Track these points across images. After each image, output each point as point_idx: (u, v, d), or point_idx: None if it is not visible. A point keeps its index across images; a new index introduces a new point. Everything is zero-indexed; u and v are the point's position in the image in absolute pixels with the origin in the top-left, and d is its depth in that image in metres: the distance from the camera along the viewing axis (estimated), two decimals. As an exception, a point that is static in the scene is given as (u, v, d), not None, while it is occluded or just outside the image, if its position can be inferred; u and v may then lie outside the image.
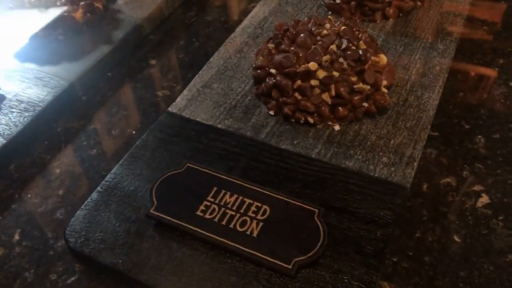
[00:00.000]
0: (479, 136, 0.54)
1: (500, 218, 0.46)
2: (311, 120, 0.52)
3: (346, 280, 0.40)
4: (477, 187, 0.49)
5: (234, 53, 0.62)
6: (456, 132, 0.54)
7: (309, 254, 0.40)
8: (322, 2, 0.68)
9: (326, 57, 0.51)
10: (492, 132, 0.54)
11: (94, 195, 0.47)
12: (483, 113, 0.56)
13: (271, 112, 0.54)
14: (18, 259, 0.46)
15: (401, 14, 0.65)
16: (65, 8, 0.65)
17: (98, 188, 0.48)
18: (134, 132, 0.57)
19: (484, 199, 0.48)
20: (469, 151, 0.52)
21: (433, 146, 0.53)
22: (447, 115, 0.56)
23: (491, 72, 0.61)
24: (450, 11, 0.66)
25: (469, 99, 0.58)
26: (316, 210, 0.43)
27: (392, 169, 0.47)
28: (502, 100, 0.57)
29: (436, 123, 0.55)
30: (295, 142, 0.51)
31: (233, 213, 0.44)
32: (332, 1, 0.66)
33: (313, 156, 0.49)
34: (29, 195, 0.51)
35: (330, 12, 0.67)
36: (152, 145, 0.52)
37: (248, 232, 0.42)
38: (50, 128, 0.58)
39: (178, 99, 0.57)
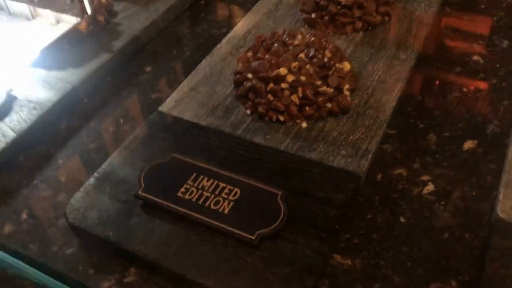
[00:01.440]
0: (431, 134, 0.61)
1: (442, 203, 0.53)
2: (281, 118, 0.59)
3: (301, 250, 0.47)
4: (424, 177, 0.56)
5: (219, 61, 0.70)
6: (411, 130, 0.61)
7: (270, 228, 0.48)
8: (300, 17, 0.76)
9: (295, 64, 0.59)
10: (443, 131, 0.61)
11: (91, 179, 0.55)
12: (437, 115, 0.63)
13: (248, 112, 0.61)
14: (25, 234, 0.53)
15: (369, 28, 0.73)
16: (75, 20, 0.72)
17: (95, 174, 0.55)
18: (128, 129, 0.64)
19: (430, 187, 0.55)
20: (421, 147, 0.59)
21: (390, 142, 0.60)
22: (404, 116, 0.63)
23: (448, 79, 0.68)
24: (415, 24, 0.74)
25: (426, 102, 0.65)
26: (279, 192, 0.51)
27: (349, 160, 0.55)
28: (454, 104, 0.65)
29: (394, 122, 0.62)
30: (267, 137, 0.58)
31: (209, 194, 0.51)
32: (308, 16, 0.74)
33: (281, 149, 0.57)
34: (35, 181, 0.59)
35: (306, 26, 0.74)
36: (143, 139, 0.59)
37: (220, 210, 0.49)
38: (55, 125, 0.65)
39: (168, 100, 0.64)
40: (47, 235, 0.53)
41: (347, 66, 0.61)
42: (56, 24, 0.76)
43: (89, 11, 0.73)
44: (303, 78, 0.58)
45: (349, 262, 0.49)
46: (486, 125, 0.62)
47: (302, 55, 0.60)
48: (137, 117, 0.66)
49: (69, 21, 0.73)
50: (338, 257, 0.49)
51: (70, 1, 0.72)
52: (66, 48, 0.73)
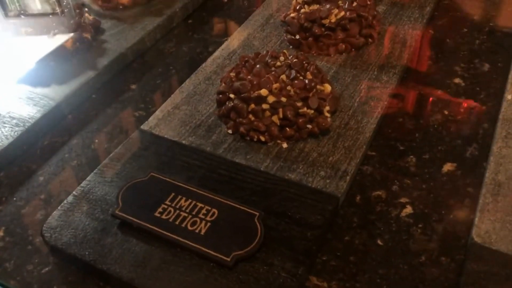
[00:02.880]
0: (411, 156, 0.61)
1: (420, 226, 0.54)
2: (262, 139, 0.59)
3: (276, 272, 0.47)
4: (403, 199, 0.56)
5: (204, 80, 0.71)
6: (391, 152, 0.62)
7: (246, 249, 0.47)
8: (285, 38, 0.77)
9: (276, 85, 0.60)
10: (423, 153, 0.62)
11: (70, 198, 0.55)
12: (417, 137, 0.64)
13: (230, 131, 0.61)
14: (1, 252, 0.53)
15: (353, 49, 0.74)
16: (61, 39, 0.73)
17: (74, 192, 0.55)
18: (110, 146, 0.65)
19: (408, 209, 0.55)
20: (401, 169, 0.60)
21: (370, 164, 0.60)
22: (385, 138, 0.64)
23: (429, 102, 0.69)
24: (398, 47, 0.75)
25: (407, 124, 0.66)
26: (257, 213, 0.51)
27: (328, 181, 0.55)
28: (435, 126, 0.65)
29: (375, 144, 0.63)
30: (248, 157, 0.58)
31: (186, 214, 0.51)
32: (293, 37, 0.75)
33: (261, 169, 0.57)
34: (14, 199, 0.58)
35: (291, 47, 0.75)
36: (124, 157, 0.59)
37: (197, 231, 0.49)
38: (37, 141, 0.65)
39: (151, 118, 0.65)
40: (23, 254, 0.53)
41: (328, 88, 0.62)
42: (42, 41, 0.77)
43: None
44: (284, 99, 0.59)
45: (325, 284, 0.49)
46: (465, 148, 0.62)
47: (283, 76, 0.61)
48: (120, 135, 0.66)
49: (56, 38, 0.74)
50: (314, 279, 0.49)
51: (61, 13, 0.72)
52: (52, 64, 0.73)
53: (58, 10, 0.73)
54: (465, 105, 0.68)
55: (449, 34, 0.82)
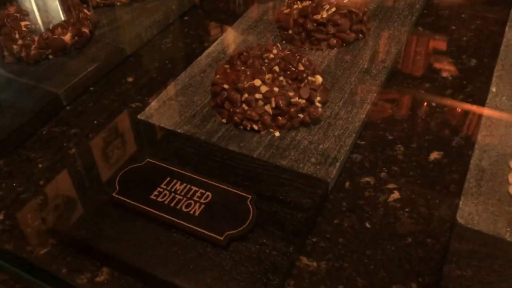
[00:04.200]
0: (399, 145, 0.63)
1: (406, 210, 0.55)
2: (255, 127, 0.61)
3: (267, 251, 0.48)
4: (391, 185, 0.58)
5: (199, 73, 0.73)
6: (380, 141, 0.64)
7: (239, 229, 0.49)
8: (278, 33, 0.79)
9: (268, 76, 0.62)
10: (411, 142, 0.64)
11: (69, 182, 0.56)
12: (406, 127, 0.66)
13: (224, 120, 0.63)
14: (0, 234, 0.54)
15: (344, 44, 0.76)
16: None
17: (73, 176, 0.57)
18: (108, 136, 0.66)
19: (396, 195, 0.57)
20: (389, 157, 0.62)
21: (359, 152, 0.62)
22: (374, 128, 0.66)
23: (417, 94, 0.71)
24: (388, 42, 0.77)
25: (396, 115, 0.68)
26: (249, 196, 0.52)
27: (318, 167, 0.57)
28: (423, 117, 0.67)
29: (364, 134, 0.65)
30: (241, 144, 0.60)
31: (181, 197, 0.53)
32: (286, 33, 0.77)
33: (254, 156, 0.59)
34: (14, 185, 0.60)
35: (284, 42, 0.78)
36: (121, 145, 0.61)
37: (191, 212, 0.51)
38: (37, 131, 0.67)
39: (147, 109, 0.67)
40: (22, 236, 0.54)
41: (319, 79, 0.64)
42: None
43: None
44: (276, 89, 0.61)
45: (314, 264, 0.50)
46: (452, 137, 0.64)
47: (276, 67, 0.63)
48: (117, 125, 0.68)
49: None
50: (304, 259, 0.51)
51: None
52: (51, 57, 0.75)
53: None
54: (452, 98, 0.70)
55: (437, 31, 0.84)
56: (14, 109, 0.67)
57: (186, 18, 0.91)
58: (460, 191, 0.56)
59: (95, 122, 0.69)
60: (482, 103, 0.67)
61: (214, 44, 0.79)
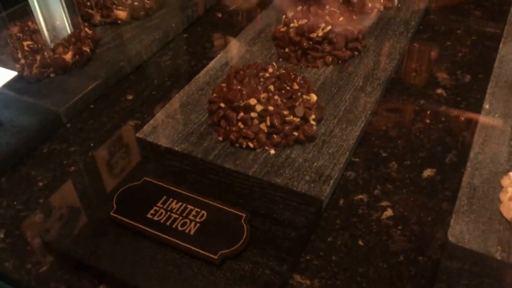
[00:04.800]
0: (393, 162, 0.64)
1: (399, 227, 0.56)
2: (251, 145, 0.63)
3: (261, 270, 0.49)
4: (384, 203, 0.59)
5: (196, 90, 0.74)
6: (374, 159, 0.65)
7: (233, 248, 0.50)
8: (274, 51, 0.80)
9: (263, 95, 0.63)
10: (404, 160, 0.65)
11: (67, 200, 0.58)
12: (400, 144, 0.67)
13: (220, 138, 0.65)
14: (1, 252, 0.56)
15: (339, 62, 0.77)
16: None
17: (71, 195, 0.58)
18: (106, 153, 0.68)
19: (389, 212, 0.58)
20: (383, 174, 0.63)
21: (353, 169, 0.63)
22: (369, 145, 0.67)
23: (412, 110, 0.72)
24: (383, 59, 0.78)
25: (390, 132, 0.69)
26: (244, 215, 0.53)
27: (312, 185, 0.58)
28: (417, 134, 0.68)
29: (359, 151, 0.66)
30: (237, 162, 0.61)
31: (177, 216, 0.54)
32: (282, 50, 0.79)
33: (249, 174, 0.60)
34: (15, 203, 0.61)
35: (280, 59, 0.79)
36: (119, 163, 0.63)
37: (186, 231, 0.52)
38: (37, 148, 0.69)
39: (145, 127, 0.68)
40: (22, 254, 0.55)
41: (313, 97, 0.65)
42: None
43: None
44: (271, 108, 0.62)
45: (308, 282, 0.51)
46: (445, 154, 0.65)
47: (271, 86, 0.64)
48: (116, 143, 0.69)
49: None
50: (297, 277, 0.52)
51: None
52: (52, 76, 0.77)
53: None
54: (446, 114, 0.71)
55: (432, 47, 0.85)
56: (15, 127, 0.69)
57: (185, 35, 0.92)
58: (452, 208, 0.56)
59: (94, 140, 0.70)
60: (475, 120, 0.68)
61: (212, 61, 0.80)
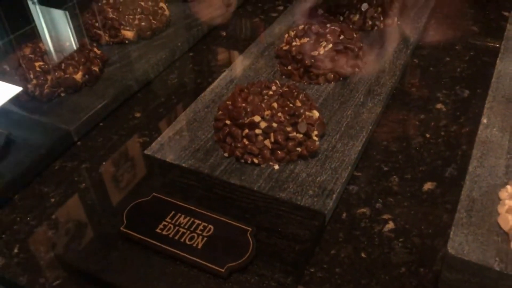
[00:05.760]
0: (394, 176, 0.66)
1: (401, 240, 0.58)
2: (256, 161, 0.65)
3: (266, 282, 0.51)
4: (386, 216, 0.61)
5: (203, 108, 0.76)
6: (376, 173, 0.67)
7: (239, 261, 0.52)
8: (278, 69, 0.83)
9: (267, 112, 0.65)
10: (405, 173, 0.66)
11: (79, 215, 0.60)
12: (400, 158, 0.69)
13: (226, 154, 0.67)
14: (15, 267, 0.58)
15: (341, 78, 0.79)
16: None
17: (82, 210, 0.60)
18: (115, 170, 0.70)
19: (390, 225, 0.60)
20: (384, 188, 0.64)
21: (356, 183, 0.65)
22: (370, 160, 0.69)
23: (412, 125, 0.74)
24: (383, 75, 0.80)
25: (391, 147, 0.71)
26: (250, 229, 0.55)
27: (315, 199, 0.60)
28: (417, 148, 0.70)
29: (361, 165, 0.68)
30: (242, 177, 0.63)
31: (185, 230, 0.56)
32: (285, 68, 0.81)
33: (255, 188, 0.62)
34: (28, 218, 0.64)
35: (283, 76, 0.81)
36: (128, 179, 0.65)
37: (194, 245, 0.54)
38: (49, 166, 0.71)
39: (153, 144, 0.70)
40: (36, 268, 0.57)
41: (316, 114, 0.67)
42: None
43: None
44: (275, 125, 0.64)
45: (312, 294, 0.53)
46: (445, 168, 0.67)
47: (275, 104, 0.66)
48: (125, 160, 0.71)
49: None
50: (302, 289, 0.53)
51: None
52: (63, 95, 0.79)
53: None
54: (446, 128, 0.73)
55: (432, 63, 0.88)
56: (28, 146, 0.71)
57: (191, 54, 0.95)
58: (452, 221, 0.58)
59: (104, 156, 0.72)
60: (474, 134, 0.70)
61: (218, 79, 0.83)
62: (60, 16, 0.86)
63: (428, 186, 0.64)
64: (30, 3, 0.85)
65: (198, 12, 1.02)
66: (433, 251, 0.56)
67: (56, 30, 0.86)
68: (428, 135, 0.72)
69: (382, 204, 0.62)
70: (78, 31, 0.88)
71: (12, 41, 0.95)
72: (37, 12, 0.85)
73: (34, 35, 0.90)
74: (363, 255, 0.57)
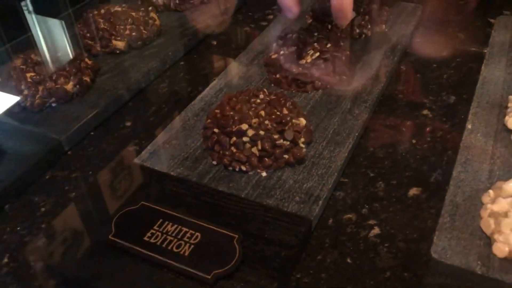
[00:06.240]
0: (380, 182, 0.67)
1: (386, 245, 0.59)
2: (243, 168, 0.65)
3: (252, 288, 0.52)
4: (371, 221, 0.62)
5: (192, 116, 0.77)
6: (362, 179, 0.68)
7: (225, 268, 0.53)
8: (267, 77, 0.84)
9: (255, 120, 0.66)
10: (391, 179, 0.67)
11: (68, 224, 0.60)
12: (387, 164, 0.70)
13: (214, 162, 0.68)
14: (5, 277, 0.58)
15: (328, 86, 0.80)
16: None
17: (72, 219, 0.61)
18: (106, 179, 0.70)
19: (376, 230, 0.61)
20: (371, 194, 0.65)
21: (342, 189, 0.66)
22: (357, 166, 0.70)
23: (398, 132, 0.75)
24: (370, 82, 0.82)
25: (377, 153, 0.72)
26: (236, 236, 0.56)
27: (302, 205, 0.60)
28: (403, 154, 0.71)
29: (347, 171, 0.69)
30: (230, 185, 0.64)
31: (172, 238, 0.56)
32: (274, 76, 0.82)
33: (242, 196, 0.63)
34: (18, 228, 0.64)
35: (273, 85, 0.82)
36: (118, 188, 0.65)
37: (181, 252, 0.55)
38: (40, 176, 0.72)
39: (143, 152, 0.71)
40: (25, 278, 0.58)
41: (302, 121, 0.68)
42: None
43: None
44: (262, 132, 0.65)
45: (298, 299, 0.54)
46: (430, 173, 0.68)
47: (262, 112, 0.67)
48: (115, 169, 0.72)
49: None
50: (288, 295, 0.54)
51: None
52: (54, 105, 0.80)
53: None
54: (432, 134, 0.74)
55: (419, 70, 0.89)
56: (19, 156, 0.72)
57: (182, 63, 0.96)
58: (436, 225, 0.59)
59: (95, 166, 0.73)
60: (460, 139, 0.71)
61: (207, 88, 0.84)
62: (56, 26, 0.87)
63: (413, 191, 0.65)
64: (26, 12, 0.86)
65: (192, 21, 1.03)
66: (417, 255, 0.57)
67: (53, 40, 0.87)
68: (414, 141, 0.73)
69: (368, 209, 0.63)
70: (74, 41, 0.89)
71: (8, 50, 0.96)
72: (33, 22, 0.86)
73: (29, 45, 0.91)
74: (348, 260, 0.57)
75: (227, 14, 1.09)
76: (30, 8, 0.85)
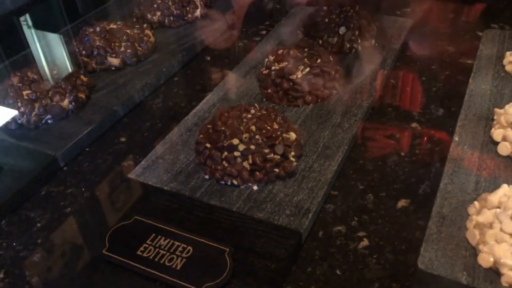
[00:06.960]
0: (370, 195, 0.68)
1: (375, 256, 0.60)
2: (235, 182, 0.67)
3: (243, 300, 0.53)
4: (361, 233, 0.63)
5: (185, 131, 0.79)
6: (352, 191, 0.69)
7: (216, 281, 0.54)
8: (259, 92, 0.86)
9: (245, 135, 0.68)
10: (380, 191, 0.69)
11: (63, 240, 0.62)
12: (376, 177, 0.71)
13: (206, 177, 0.69)
14: (0, 292, 0.59)
15: (319, 100, 0.82)
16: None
17: (66, 235, 0.62)
18: (100, 194, 0.72)
19: (365, 242, 0.62)
20: (360, 206, 0.67)
21: (332, 202, 0.67)
22: (346, 178, 0.71)
23: (388, 145, 0.77)
24: (360, 96, 0.83)
25: (367, 166, 0.73)
26: (227, 249, 0.57)
27: (292, 218, 0.62)
28: (392, 167, 0.73)
29: (337, 184, 0.70)
30: (222, 199, 0.66)
31: (164, 252, 0.58)
32: (265, 91, 0.84)
33: (234, 209, 0.64)
34: (14, 244, 0.65)
35: (264, 99, 0.84)
36: (112, 203, 0.67)
37: (173, 266, 0.56)
38: (36, 192, 0.73)
39: (137, 167, 0.72)
40: (20, 293, 0.59)
41: (293, 135, 0.70)
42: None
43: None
44: (252, 147, 0.67)
45: (288, 311, 0.55)
46: (419, 185, 0.69)
47: (253, 127, 0.69)
48: (109, 184, 0.74)
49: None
50: (279, 307, 0.55)
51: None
52: (50, 122, 0.82)
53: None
54: (420, 147, 0.76)
55: (408, 83, 0.91)
56: (15, 172, 0.73)
57: (176, 79, 0.98)
58: (424, 236, 0.60)
59: (90, 181, 0.74)
60: (447, 151, 0.72)
61: (201, 103, 0.86)
62: (55, 40, 0.88)
63: (402, 203, 0.67)
64: (25, 27, 0.88)
65: (186, 37, 1.05)
66: (405, 266, 0.58)
67: (52, 54, 0.89)
68: (403, 154, 0.75)
69: (358, 221, 0.64)
70: (72, 57, 0.91)
71: (8, 68, 0.98)
72: (33, 37, 0.88)
73: (26, 62, 0.93)
74: (338, 272, 0.58)
75: (238, 28, 1.11)
76: (30, 23, 0.87)
